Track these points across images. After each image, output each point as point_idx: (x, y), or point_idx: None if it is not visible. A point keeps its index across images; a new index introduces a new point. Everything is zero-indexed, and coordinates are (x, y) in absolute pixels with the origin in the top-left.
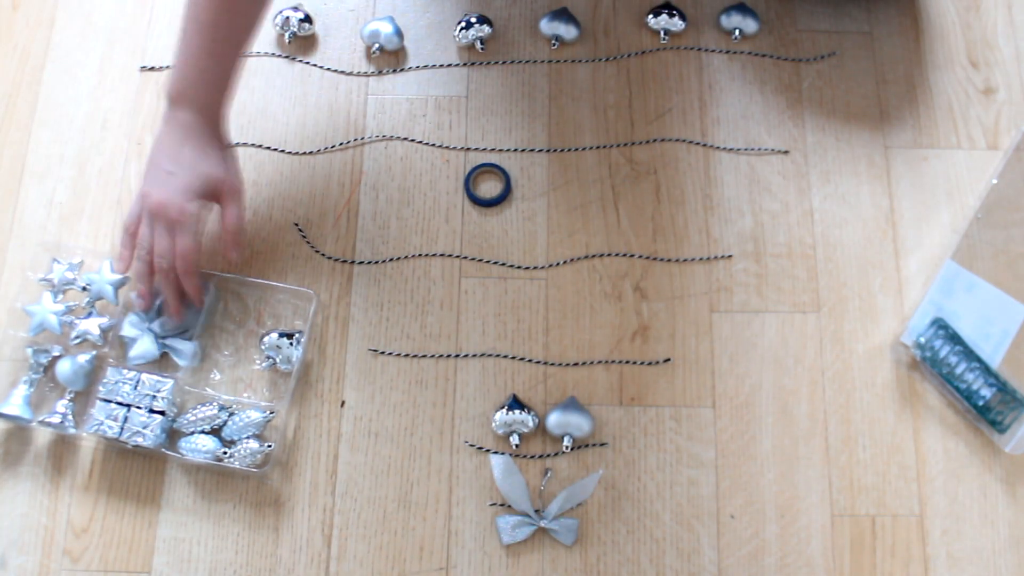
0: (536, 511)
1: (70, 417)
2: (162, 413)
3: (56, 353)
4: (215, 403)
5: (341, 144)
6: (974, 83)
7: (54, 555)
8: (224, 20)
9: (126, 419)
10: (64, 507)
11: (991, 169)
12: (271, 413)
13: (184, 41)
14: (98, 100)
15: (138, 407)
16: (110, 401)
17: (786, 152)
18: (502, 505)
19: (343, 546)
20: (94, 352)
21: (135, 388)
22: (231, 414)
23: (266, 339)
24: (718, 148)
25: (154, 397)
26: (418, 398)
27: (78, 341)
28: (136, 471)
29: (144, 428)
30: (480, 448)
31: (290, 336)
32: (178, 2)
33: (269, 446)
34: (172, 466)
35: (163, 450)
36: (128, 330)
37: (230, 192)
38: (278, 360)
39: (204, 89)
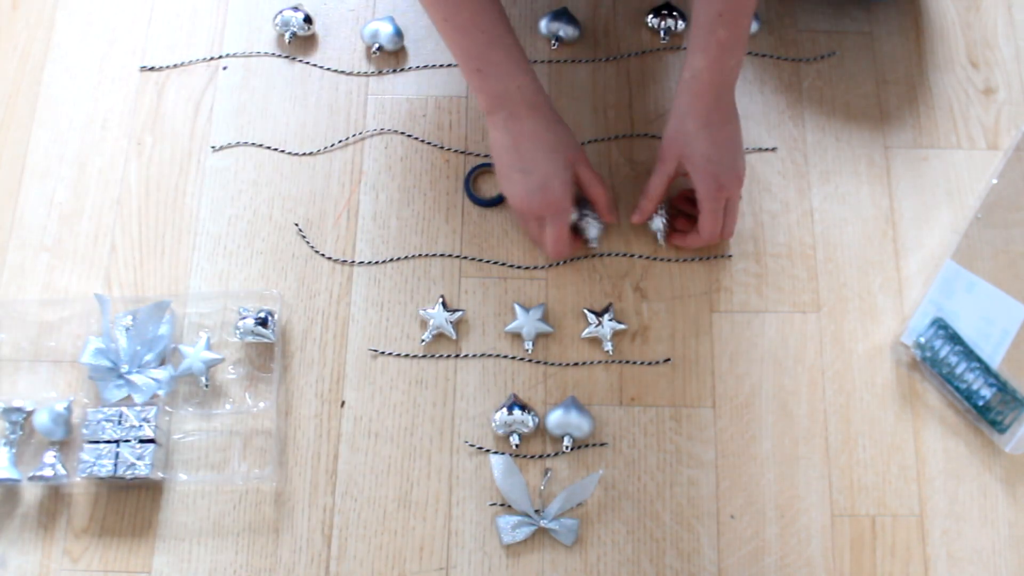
0: (536, 511)
1: (60, 467)
2: (152, 440)
3: (28, 408)
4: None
5: (341, 141)
6: (974, 83)
7: (54, 555)
8: (478, 7)
9: (117, 455)
10: (64, 507)
11: (991, 169)
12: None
13: (461, 50)
14: (98, 100)
15: (127, 440)
16: (97, 442)
17: (773, 149)
18: (502, 505)
19: (343, 546)
20: (70, 399)
21: (119, 423)
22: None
23: (241, 324)
24: None
25: (141, 427)
26: (418, 398)
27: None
28: None
29: (138, 460)
30: (480, 448)
31: (264, 323)
32: (178, 2)
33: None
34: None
35: (160, 474)
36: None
37: (581, 162)
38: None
39: (512, 78)
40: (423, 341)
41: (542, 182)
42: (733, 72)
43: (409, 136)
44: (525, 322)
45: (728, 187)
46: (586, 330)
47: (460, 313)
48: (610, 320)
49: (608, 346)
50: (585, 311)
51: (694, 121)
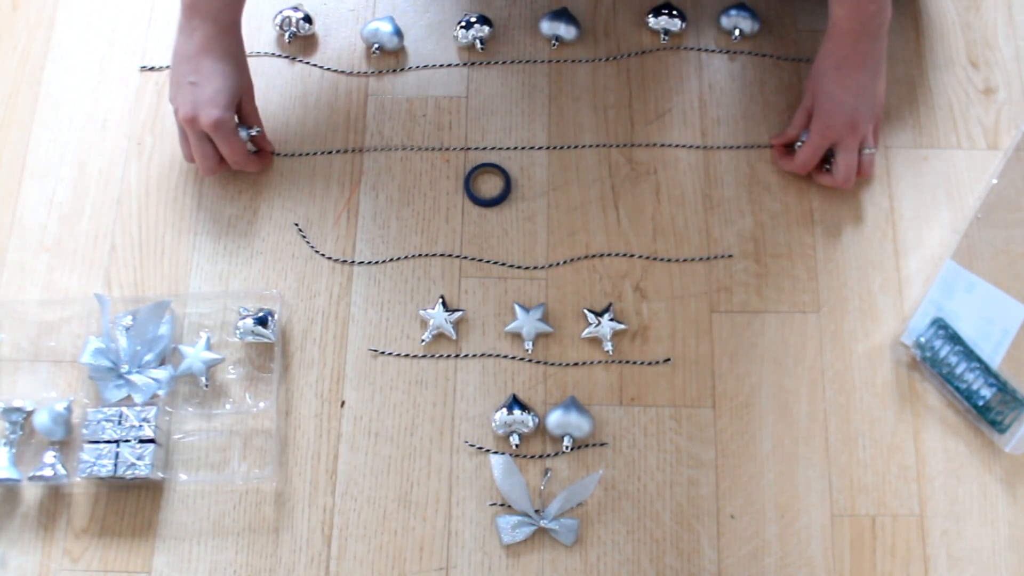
0: (536, 511)
1: (60, 467)
2: (152, 440)
3: (28, 408)
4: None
5: (338, 151)
6: (974, 83)
7: (54, 555)
8: None
9: (117, 455)
10: (64, 507)
11: (991, 169)
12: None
13: None
14: (98, 100)
15: (127, 440)
16: (97, 442)
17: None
18: (502, 505)
19: (343, 546)
20: (70, 399)
21: (119, 423)
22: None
23: (241, 324)
24: (718, 148)
25: (141, 427)
26: (418, 398)
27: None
28: None
29: (138, 460)
30: (480, 448)
31: (264, 323)
32: (178, 2)
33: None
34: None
35: (160, 474)
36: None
37: (249, 99)
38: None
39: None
40: (423, 341)
41: (210, 96)
42: (873, 20)
43: (409, 149)
44: (525, 322)
45: (836, 129)
46: (586, 330)
47: (460, 313)
48: (610, 320)
49: (608, 346)
50: (585, 311)
51: (828, 62)
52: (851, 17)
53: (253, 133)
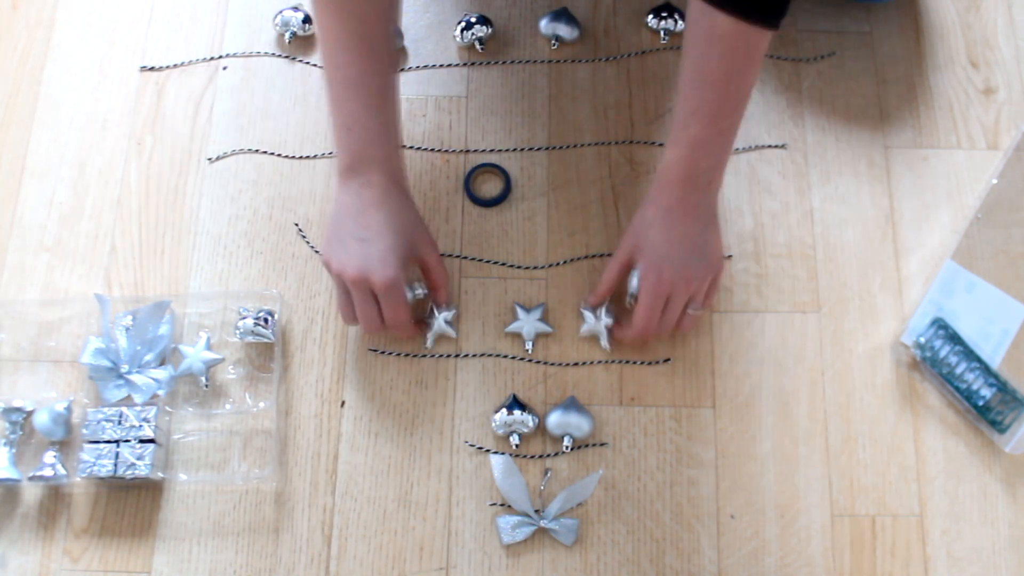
0: (536, 511)
1: (60, 467)
2: (152, 440)
3: (28, 408)
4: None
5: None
6: (974, 83)
7: (54, 555)
8: (369, 67)
9: (117, 455)
10: (64, 507)
11: (991, 169)
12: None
13: (338, 104)
14: (98, 100)
15: (127, 440)
16: (97, 442)
17: (783, 146)
18: (502, 505)
19: (343, 546)
20: (70, 399)
21: (119, 423)
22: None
23: (241, 324)
24: None
25: (141, 427)
26: (418, 398)
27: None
28: None
29: (138, 460)
30: (480, 448)
31: (265, 322)
32: (178, 2)
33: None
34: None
35: (160, 474)
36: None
37: (427, 246)
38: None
39: (380, 147)
40: (425, 345)
41: (382, 254)
42: (708, 172)
43: (409, 148)
44: (525, 322)
45: (669, 283)
46: (583, 327)
47: (454, 311)
48: (607, 316)
49: (604, 342)
50: (581, 309)
51: (655, 210)
52: (683, 164)
53: (419, 295)
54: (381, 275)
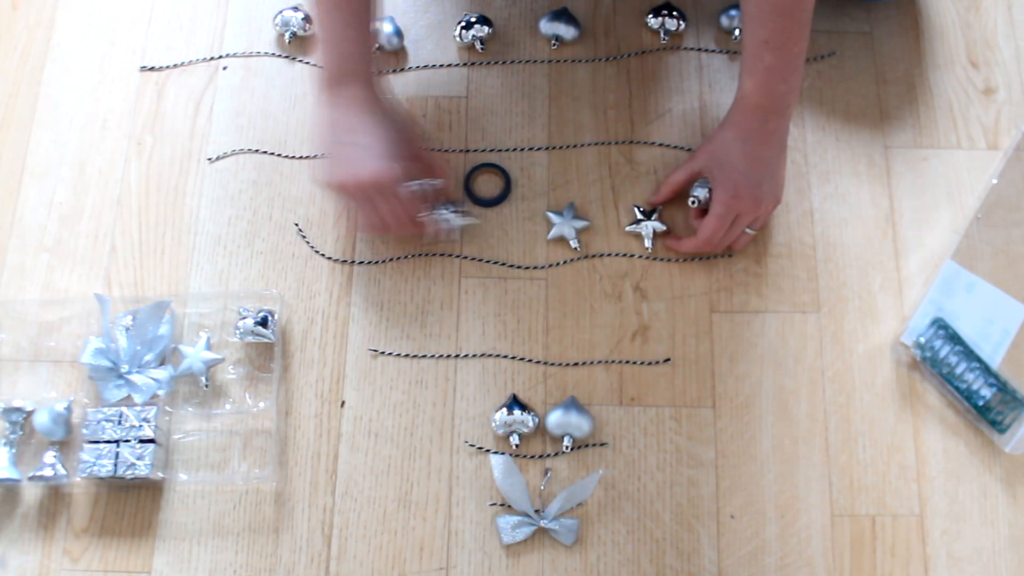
0: (536, 511)
1: (60, 467)
2: (152, 440)
3: (28, 408)
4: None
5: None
6: (974, 83)
7: (54, 555)
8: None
9: (117, 455)
10: (64, 507)
11: (991, 169)
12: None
13: (324, 22)
14: (98, 100)
15: (127, 440)
16: (97, 442)
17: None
18: (502, 505)
19: (343, 546)
20: (70, 399)
21: (119, 423)
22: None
23: (241, 324)
24: None
25: (141, 427)
26: (418, 398)
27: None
28: None
29: (138, 460)
30: (480, 448)
31: (264, 323)
32: (178, 2)
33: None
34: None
35: (160, 474)
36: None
37: (419, 139)
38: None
39: (362, 62)
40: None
41: (375, 154)
42: (783, 98)
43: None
44: (563, 226)
45: (743, 200)
46: (630, 225)
47: (462, 205)
48: (655, 220)
49: (648, 243)
50: (634, 207)
51: (737, 132)
52: (760, 92)
53: (426, 187)
54: (376, 173)
